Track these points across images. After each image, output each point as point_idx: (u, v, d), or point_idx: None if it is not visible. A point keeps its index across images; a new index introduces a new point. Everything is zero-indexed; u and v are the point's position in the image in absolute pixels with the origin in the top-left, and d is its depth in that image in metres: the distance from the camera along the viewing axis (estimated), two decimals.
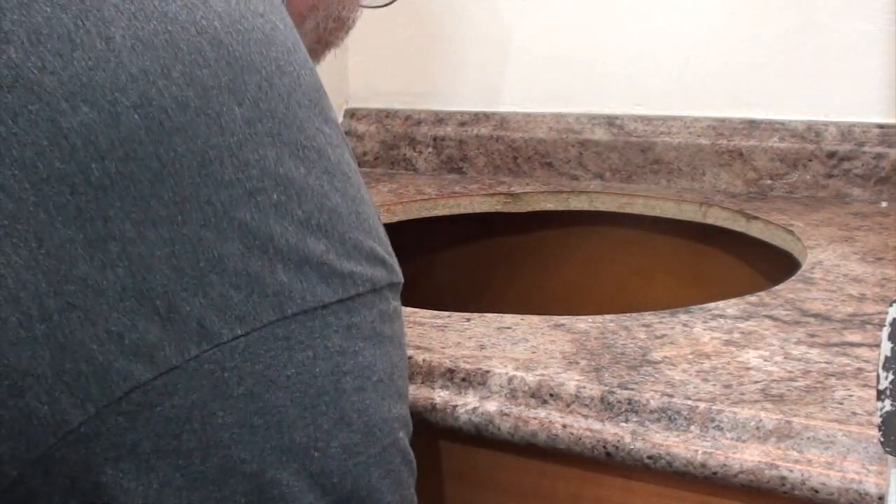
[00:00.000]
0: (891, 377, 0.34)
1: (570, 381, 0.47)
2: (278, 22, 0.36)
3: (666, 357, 0.50)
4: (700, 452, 0.43)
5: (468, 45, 1.05)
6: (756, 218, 0.82)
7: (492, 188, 0.97)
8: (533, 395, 0.48)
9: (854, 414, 0.43)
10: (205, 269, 0.32)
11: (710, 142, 0.93)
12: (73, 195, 0.30)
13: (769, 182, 0.91)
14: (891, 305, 0.33)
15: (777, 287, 0.62)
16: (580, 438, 0.46)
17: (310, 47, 0.39)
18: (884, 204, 0.85)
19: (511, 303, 0.97)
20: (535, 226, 0.96)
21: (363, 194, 0.38)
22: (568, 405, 0.47)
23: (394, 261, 0.39)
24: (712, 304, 0.59)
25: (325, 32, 0.54)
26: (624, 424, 0.45)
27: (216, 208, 0.32)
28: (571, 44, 1.00)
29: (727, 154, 0.92)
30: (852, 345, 0.51)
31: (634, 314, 0.57)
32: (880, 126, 0.86)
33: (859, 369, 0.48)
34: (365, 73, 1.11)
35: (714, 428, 0.44)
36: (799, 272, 0.66)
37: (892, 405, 0.34)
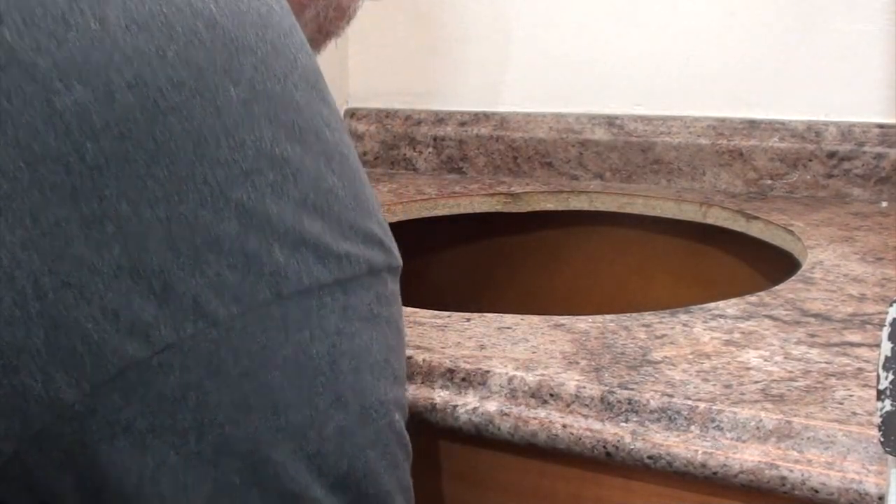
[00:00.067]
0: (891, 377, 0.34)
1: (570, 381, 0.47)
2: (274, 4, 0.36)
3: (666, 357, 0.50)
4: (700, 452, 0.43)
5: (468, 45, 1.05)
6: (756, 218, 0.82)
7: (492, 188, 0.97)
8: (533, 395, 0.48)
9: (854, 414, 0.43)
10: (201, 249, 0.32)
11: (710, 142, 0.93)
12: (68, 174, 0.31)
13: (769, 182, 0.91)
14: (891, 305, 0.33)
15: (777, 287, 0.62)
16: (580, 438, 0.46)
17: (310, 37, 0.39)
18: (884, 204, 0.85)
19: (511, 303, 0.97)
20: (535, 226, 0.96)
21: (361, 177, 0.38)
22: (568, 405, 0.47)
23: (392, 244, 0.39)
24: (712, 304, 0.59)
25: (325, 21, 0.54)
26: (624, 424, 0.45)
27: (212, 188, 0.32)
28: (571, 44, 1.00)
29: (727, 154, 0.92)
30: (852, 345, 0.51)
31: (634, 314, 0.57)
32: (880, 126, 0.86)
33: (859, 369, 0.48)
34: (365, 73, 1.11)
35: (714, 428, 0.44)
36: (799, 272, 0.66)
37: (892, 405, 0.34)
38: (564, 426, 0.46)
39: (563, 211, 0.95)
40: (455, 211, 0.94)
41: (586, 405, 0.46)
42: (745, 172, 0.91)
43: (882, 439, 0.34)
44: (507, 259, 0.99)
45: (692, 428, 0.44)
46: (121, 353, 0.31)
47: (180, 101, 0.32)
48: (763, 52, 0.91)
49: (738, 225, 0.84)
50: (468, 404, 0.48)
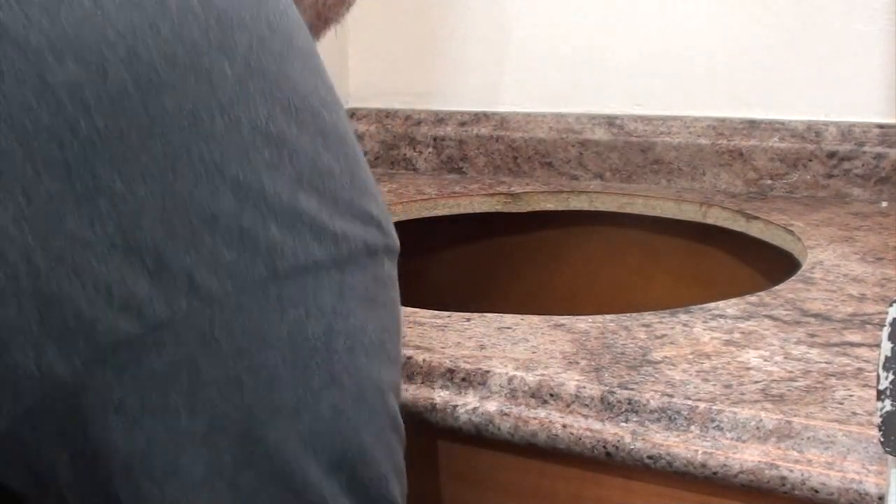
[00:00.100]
0: (891, 377, 0.34)
1: (570, 381, 0.47)
2: None
3: (666, 357, 0.50)
4: (700, 452, 0.43)
5: (468, 45, 1.05)
6: (756, 218, 0.82)
7: (492, 188, 0.97)
8: (533, 395, 0.48)
9: (854, 414, 0.43)
10: (196, 226, 0.32)
11: (710, 142, 0.93)
12: (61, 150, 0.30)
13: (769, 182, 0.91)
14: (891, 305, 0.33)
15: (777, 287, 0.62)
16: (580, 438, 0.46)
17: (309, 23, 0.39)
18: (884, 204, 0.85)
19: (511, 303, 0.97)
20: (535, 226, 0.96)
21: (358, 158, 0.38)
22: (568, 405, 0.47)
23: (390, 227, 0.39)
24: (712, 304, 0.59)
25: (324, 8, 0.53)
26: (624, 424, 0.45)
27: (207, 164, 0.32)
28: (571, 44, 1.00)
29: (727, 154, 0.92)
30: (852, 345, 0.51)
31: (634, 314, 0.57)
32: (880, 126, 0.86)
33: (859, 369, 0.48)
34: (365, 73, 1.11)
35: (714, 428, 0.44)
36: (799, 272, 0.66)
37: (892, 405, 0.34)
38: (564, 426, 0.46)
39: (563, 211, 0.95)
40: (455, 211, 0.94)
41: (586, 405, 0.46)
42: (745, 172, 0.91)
43: (882, 439, 0.34)
44: (507, 259, 0.99)
45: (692, 428, 0.44)
46: (113, 330, 0.31)
47: (175, 78, 0.32)
48: (763, 52, 0.91)
49: (738, 225, 0.84)
50: (468, 404, 0.48)
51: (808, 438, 0.42)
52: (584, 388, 0.47)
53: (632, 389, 0.46)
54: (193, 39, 0.32)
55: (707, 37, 0.94)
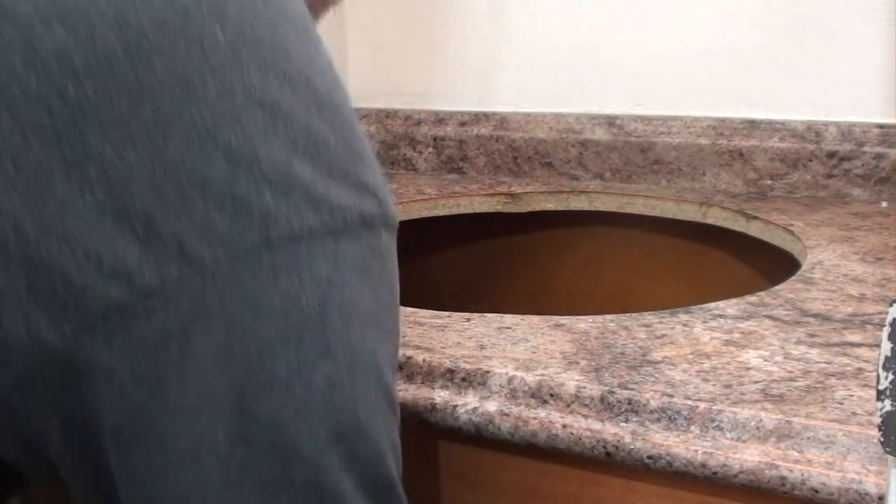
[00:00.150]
0: (891, 377, 0.34)
1: (570, 381, 0.47)
2: None
3: (666, 357, 0.50)
4: (700, 452, 0.43)
5: (468, 45, 1.05)
6: (756, 218, 0.82)
7: (492, 188, 0.97)
8: (533, 395, 0.48)
9: (854, 414, 0.43)
10: (188, 191, 0.31)
11: (710, 142, 0.93)
12: (49, 117, 0.30)
13: (769, 182, 0.91)
14: (891, 305, 0.33)
15: (777, 287, 0.62)
16: (580, 438, 0.46)
17: (309, 3, 0.39)
18: (884, 204, 0.85)
19: (511, 303, 0.97)
20: (535, 226, 0.96)
21: (354, 128, 0.37)
22: (568, 405, 0.47)
23: (387, 198, 0.38)
24: (712, 304, 0.59)
25: None
26: (624, 424, 0.45)
27: (199, 130, 0.32)
28: (571, 44, 1.00)
29: (727, 154, 0.92)
30: (852, 345, 0.51)
31: (634, 314, 0.57)
32: (880, 126, 0.86)
33: (859, 369, 0.48)
34: (365, 73, 1.11)
35: (714, 428, 0.44)
36: (799, 272, 0.66)
37: (892, 405, 0.34)
38: (564, 426, 0.46)
39: (563, 211, 0.95)
40: (455, 211, 0.94)
41: (586, 405, 0.46)
42: (745, 172, 0.91)
43: (882, 439, 0.34)
44: (507, 259, 0.99)
45: (692, 428, 0.44)
46: (103, 297, 0.31)
47: (165, 43, 0.31)
48: (763, 52, 0.91)
49: (738, 225, 0.84)
50: (468, 404, 0.48)
51: (808, 438, 0.42)
52: (584, 388, 0.47)
53: (632, 389, 0.46)
54: (184, 5, 0.32)
55: (707, 37, 0.94)
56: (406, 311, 0.59)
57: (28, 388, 0.32)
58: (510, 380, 0.48)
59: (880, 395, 0.34)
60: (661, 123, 0.95)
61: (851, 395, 0.45)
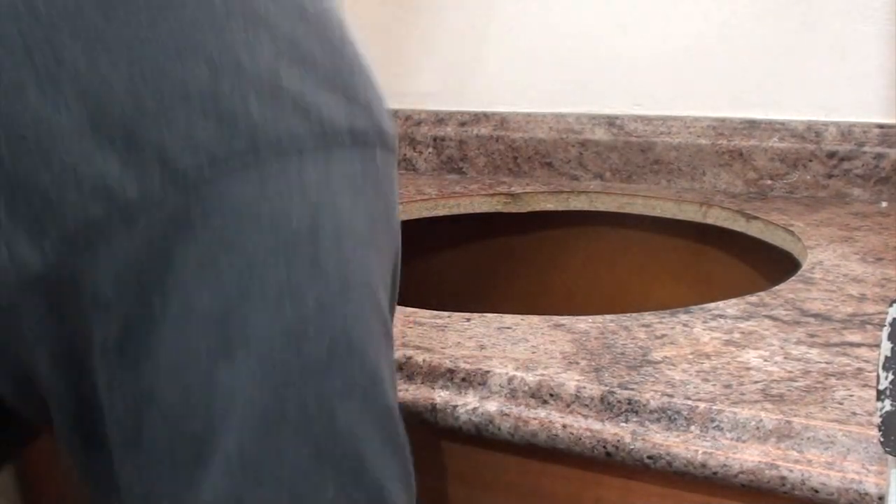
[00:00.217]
0: (891, 377, 0.34)
1: (570, 381, 0.47)
2: None
3: (666, 357, 0.50)
4: (700, 452, 0.43)
5: (468, 45, 1.05)
6: (756, 218, 0.82)
7: (492, 188, 0.97)
8: (533, 395, 0.48)
9: (854, 414, 0.43)
10: (168, 100, 0.30)
11: (710, 142, 0.93)
12: (21, 34, 0.29)
13: (769, 182, 0.91)
14: (891, 305, 0.33)
15: (777, 287, 0.62)
16: (580, 438, 0.46)
17: None
18: (884, 204, 0.85)
19: (511, 303, 0.97)
20: (535, 226, 0.96)
21: (346, 42, 0.35)
22: (568, 405, 0.47)
23: (380, 114, 0.36)
24: (712, 304, 0.59)
25: None
26: (624, 424, 0.45)
27: (177, 38, 0.30)
28: (572, 44, 1.00)
29: (727, 154, 0.92)
30: (852, 345, 0.51)
31: (634, 314, 0.57)
32: (880, 126, 0.86)
33: (859, 369, 0.48)
34: None
35: (714, 428, 0.44)
36: (799, 272, 0.66)
37: (892, 405, 0.34)
38: (564, 426, 0.46)
39: (563, 211, 0.95)
40: (455, 211, 0.94)
41: (586, 405, 0.46)
42: (745, 172, 0.91)
43: (882, 439, 0.34)
44: (507, 259, 0.99)
45: (692, 428, 0.44)
46: (83, 215, 0.30)
47: None
48: (763, 52, 0.91)
49: (738, 225, 0.84)
50: (468, 404, 0.48)
51: (808, 438, 0.42)
52: (584, 388, 0.47)
53: (632, 389, 0.46)
54: None
55: (707, 37, 0.94)
56: (406, 311, 0.59)
57: (15, 315, 0.31)
58: (510, 380, 0.48)
59: (880, 395, 0.34)
60: (661, 123, 0.95)
61: (851, 395, 0.45)
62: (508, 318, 0.57)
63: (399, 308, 0.58)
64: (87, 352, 0.32)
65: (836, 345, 0.51)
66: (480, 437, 0.48)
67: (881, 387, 0.34)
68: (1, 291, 0.31)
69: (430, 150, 1.07)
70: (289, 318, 0.31)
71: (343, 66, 0.35)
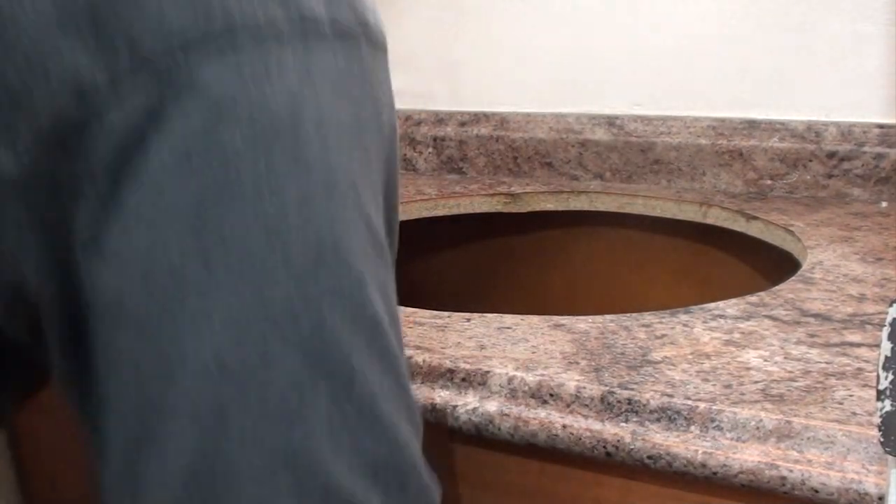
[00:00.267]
0: (891, 377, 0.34)
1: (570, 381, 0.47)
2: None
3: (666, 357, 0.50)
4: (700, 452, 0.43)
5: (468, 45, 1.05)
6: (756, 218, 0.82)
7: (492, 188, 0.97)
8: (533, 396, 0.48)
9: (854, 414, 0.43)
10: None
11: (710, 142, 0.93)
12: None
13: (769, 182, 0.91)
14: (891, 305, 0.33)
15: (777, 287, 0.62)
16: (580, 438, 0.46)
17: None
18: (884, 204, 0.85)
19: (511, 303, 0.97)
20: (535, 226, 0.96)
21: None
22: (568, 405, 0.47)
23: (364, 8, 0.34)
24: (712, 304, 0.59)
25: None
26: (624, 424, 0.45)
27: None
28: (571, 44, 1.00)
29: (727, 154, 0.92)
30: (852, 345, 0.51)
31: (634, 314, 0.57)
32: (880, 126, 0.86)
33: (859, 369, 0.48)
34: None
35: (714, 428, 0.44)
36: (799, 272, 0.66)
37: (892, 405, 0.34)
38: (564, 426, 0.46)
39: (563, 211, 0.95)
40: (455, 211, 0.94)
41: (586, 405, 0.46)
42: (745, 172, 0.91)
43: (882, 439, 0.34)
44: (507, 259, 0.99)
45: (692, 428, 0.44)
46: (55, 110, 0.28)
47: None
48: (763, 52, 0.91)
49: (738, 225, 0.84)
50: (468, 404, 0.48)
51: (808, 438, 0.42)
52: (584, 388, 0.47)
53: (632, 389, 0.46)
54: None
55: (707, 37, 0.94)
56: (406, 311, 0.59)
57: (1, 232, 0.30)
58: (510, 380, 0.48)
59: (880, 395, 0.34)
60: (661, 123, 0.95)
61: (851, 395, 0.45)
62: (508, 318, 0.57)
63: (399, 308, 0.58)
64: (70, 251, 0.30)
65: (836, 345, 0.51)
66: (480, 437, 0.48)
67: (881, 387, 0.34)
68: None
69: (430, 150, 1.07)
70: (269, 214, 0.29)
71: None
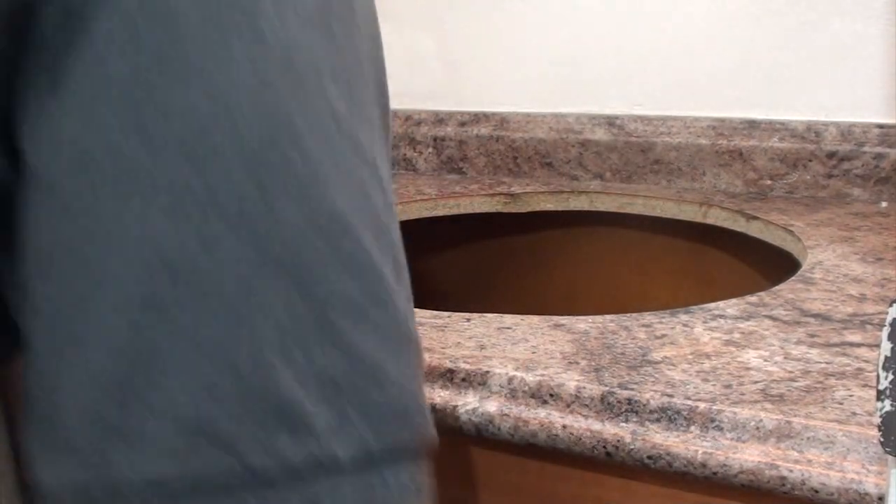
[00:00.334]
0: (891, 377, 0.34)
1: (570, 381, 0.47)
2: None
3: (666, 357, 0.50)
4: (700, 452, 0.43)
5: (468, 45, 1.05)
6: (756, 218, 0.82)
7: (492, 188, 0.97)
8: (533, 396, 0.48)
9: (854, 414, 0.43)
10: None
11: (710, 142, 0.93)
12: None
13: (769, 182, 0.91)
14: (891, 305, 0.33)
15: (777, 287, 0.62)
16: (580, 438, 0.46)
17: None
18: (884, 204, 0.85)
19: (511, 303, 0.97)
20: (535, 226, 0.96)
21: None
22: (568, 405, 0.47)
23: None
24: (712, 304, 0.59)
25: None
26: (624, 424, 0.45)
27: None
28: (571, 44, 1.00)
29: (727, 154, 0.92)
30: (852, 345, 0.51)
31: (634, 314, 0.57)
32: (880, 126, 0.86)
33: (859, 369, 0.48)
34: None
35: (714, 428, 0.44)
36: (799, 272, 0.66)
37: (892, 405, 0.34)
38: (564, 426, 0.46)
39: (563, 211, 0.95)
40: (455, 211, 0.94)
41: (586, 405, 0.46)
42: (745, 172, 0.91)
43: (882, 439, 0.34)
44: (507, 259, 0.99)
45: (692, 428, 0.44)
46: None
47: None
48: (763, 52, 0.91)
49: (738, 225, 0.84)
50: (468, 404, 0.48)
51: (808, 438, 0.42)
52: (584, 388, 0.47)
53: (632, 389, 0.46)
54: None
55: (707, 37, 0.94)
56: None
57: None
58: (510, 380, 0.48)
59: (880, 395, 0.34)
60: (661, 123, 0.95)
61: (851, 395, 0.45)
62: (508, 318, 0.57)
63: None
64: (13, 139, 0.28)
65: (836, 345, 0.51)
66: (480, 437, 0.48)
67: (881, 387, 0.34)
68: None
69: (430, 150, 1.07)
70: (219, 89, 0.27)
71: None
